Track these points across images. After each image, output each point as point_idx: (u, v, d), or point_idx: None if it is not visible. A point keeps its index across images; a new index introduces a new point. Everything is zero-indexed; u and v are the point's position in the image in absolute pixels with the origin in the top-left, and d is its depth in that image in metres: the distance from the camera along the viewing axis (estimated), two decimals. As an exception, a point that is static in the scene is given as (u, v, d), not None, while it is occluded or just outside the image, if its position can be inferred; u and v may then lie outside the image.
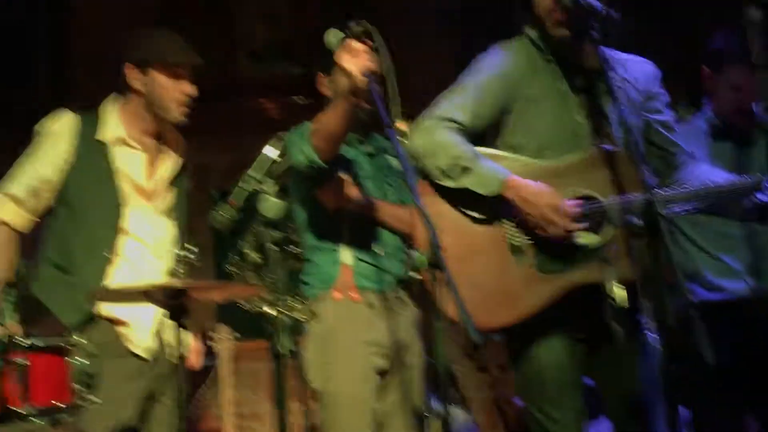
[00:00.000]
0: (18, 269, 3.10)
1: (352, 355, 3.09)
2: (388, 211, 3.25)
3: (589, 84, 2.85)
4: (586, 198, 2.73)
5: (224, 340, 3.81)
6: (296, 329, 3.32)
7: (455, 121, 2.81)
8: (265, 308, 4.98)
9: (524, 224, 2.74)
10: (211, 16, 5.34)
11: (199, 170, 3.66)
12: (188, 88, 3.16)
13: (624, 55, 2.93)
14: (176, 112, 3.16)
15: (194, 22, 5.23)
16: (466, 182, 2.75)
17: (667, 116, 2.97)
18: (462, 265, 2.70)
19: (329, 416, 3.07)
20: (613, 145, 2.78)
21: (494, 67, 2.86)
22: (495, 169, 2.75)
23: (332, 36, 2.70)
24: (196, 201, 5.04)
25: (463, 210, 2.82)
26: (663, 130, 2.93)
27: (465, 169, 2.75)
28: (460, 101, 2.83)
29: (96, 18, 5.53)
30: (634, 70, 2.89)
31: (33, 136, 3.18)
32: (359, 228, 3.23)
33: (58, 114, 3.19)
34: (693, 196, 2.73)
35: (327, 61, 2.98)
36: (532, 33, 2.89)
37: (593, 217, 2.70)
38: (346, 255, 3.22)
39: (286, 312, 3.14)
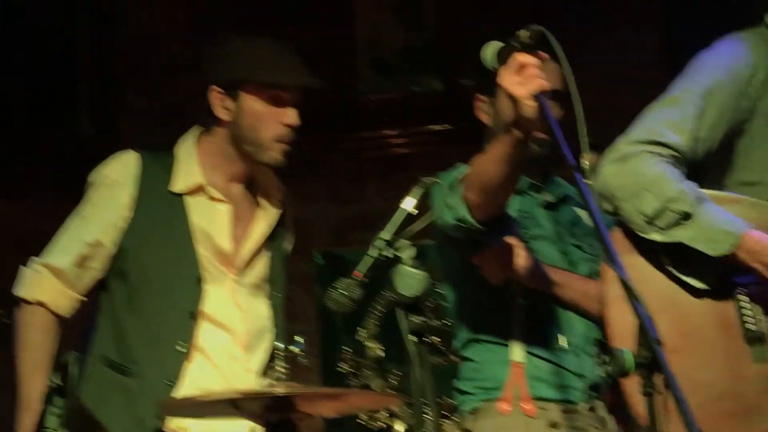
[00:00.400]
0: (64, 365, 3.18)
1: None
2: (577, 287, 3.22)
3: None
4: None
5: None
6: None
7: (667, 146, 2.78)
8: (397, 427, 5.01)
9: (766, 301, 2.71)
10: (319, 13, 5.43)
11: (301, 227, 3.71)
12: (292, 118, 3.17)
13: None
14: (274, 151, 3.18)
15: (292, 22, 5.34)
16: (683, 236, 2.72)
17: None
18: (677, 359, 2.61)
19: None
20: None
21: (722, 70, 2.84)
22: (726, 218, 2.72)
23: (491, 49, 2.69)
24: (297, 270, 5.16)
25: (675, 275, 2.79)
26: None
27: (683, 217, 2.71)
28: (674, 117, 2.81)
29: (149, 23, 5.77)
30: None
31: (85, 187, 3.27)
32: (534, 311, 3.19)
33: (120, 157, 3.26)
34: None
35: (486, 78, 2.99)
36: None
37: None
38: (517, 350, 3.18)
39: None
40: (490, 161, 2.79)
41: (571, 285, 3.21)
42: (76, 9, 5.71)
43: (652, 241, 2.76)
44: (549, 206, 3.35)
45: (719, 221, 2.71)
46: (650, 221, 2.74)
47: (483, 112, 3.28)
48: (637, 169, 2.76)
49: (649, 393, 2.29)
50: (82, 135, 5.68)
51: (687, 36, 3.07)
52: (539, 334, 3.19)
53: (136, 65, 5.77)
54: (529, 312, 3.17)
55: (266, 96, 3.15)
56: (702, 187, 2.79)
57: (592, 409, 3.20)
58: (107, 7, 5.79)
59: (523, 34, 2.58)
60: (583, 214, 3.33)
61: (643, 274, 2.76)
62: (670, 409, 2.24)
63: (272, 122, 3.15)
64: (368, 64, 5.38)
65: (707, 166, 2.86)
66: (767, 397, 2.69)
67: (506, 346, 3.18)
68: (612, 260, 2.36)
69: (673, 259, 2.77)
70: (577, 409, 3.18)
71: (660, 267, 2.80)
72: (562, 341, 3.19)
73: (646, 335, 2.24)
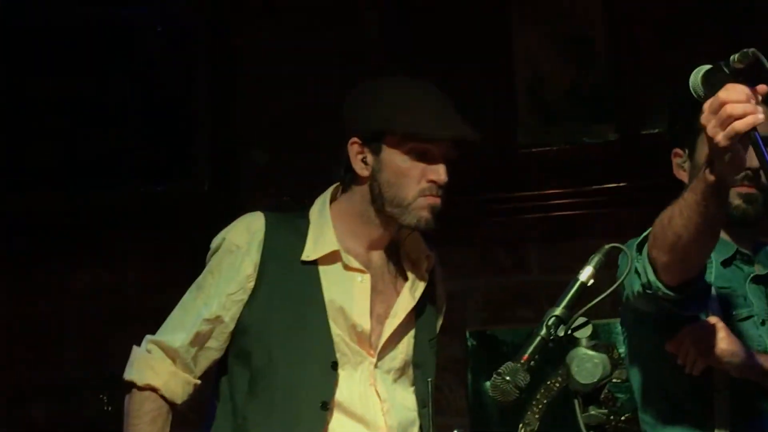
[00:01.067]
0: None
1: None
2: None
3: None
4: None
5: None
6: None
7: None
8: None
9: None
10: (473, 51, 5.42)
11: (452, 303, 3.65)
12: (440, 174, 3.13)
13: None
14: (421, 210, 3.13)
15: (441, 62, 5.32)
16: None
17: None
18: None
19: None
20: None
21: None
22: None
23: (700, 74, 2.61)
24: (446, 353, 5.10)
25: None
26: None
27: None
28: None
29: (275, 73, 5.81)
30: None
31: (207, 255, 3.27)
32: (743, 404, 3.17)
33: (246, 219, 3.25)
34: None
35: (685, 128, 2.92)
36: None
37: None
38: None
39: None
40: (679, 212, 2.76)
41: None
42: (195, 54, 5.82)
43: None
44: (759, 280, 3.34)
45: None
46: None
47: (681, 168, 3.25)
48: None
49: None
50: (197, 190, 5.74)
51: None
52: (747, 428, 3.18)
53: (258, 115, 5.82)
54: (736, 404, 3.15)
55: (412, 149, 3.12)
56: None
57: None
58: (227, 53, 5.87)
59: (735, 57, 2.54)
60: None
61: None
62: None
63: (418, 179, 3.12)
64: (530, 109, 5.32)
65: None
66: None
67: None
68: None
69: None
70: None
71: None
72: None
73: None
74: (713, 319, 3.06)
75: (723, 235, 3.18)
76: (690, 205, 2.72)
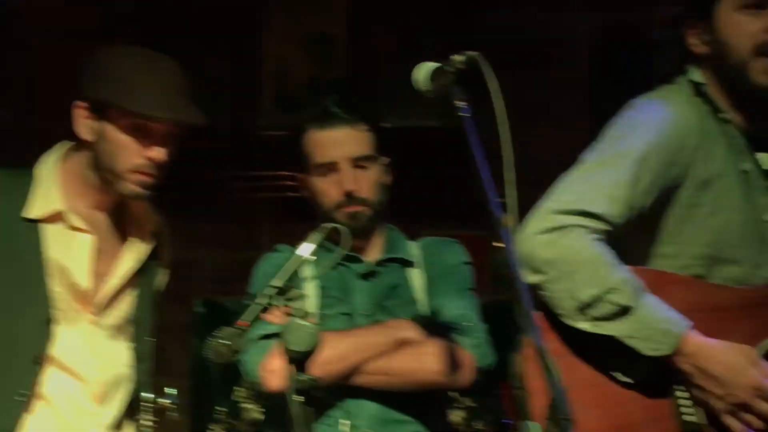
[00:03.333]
0: None
1: None
2: (374, 369, 3.33)
3: None
4: None
5: None
6: None
7: (599, 217, 2.78)
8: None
9: (704, 401, 2.74)
10: (223, 40, 5.40)
11: (182, 269, 3.63)
12: (156, 153, 3.07)
13: None
14: (130, 183, 3.08)
15: (194, 48, 5.25)
16: (618, 330, 2.72)
17: None
18: None
19: None
20: None
21: (655, 134, 2.88)
22: (665, 315, 2.73)
23: (424, 70, 2.66)
24: (172, 318, 5.07)
25: (602, 366, 2.79)
26: None
27: (621, 310, 2.71)
28: (607, 183, 2.80)
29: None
30: None
31: None
32: (316, 402, 3.20)
33: None
34: None
35: None
36: (701, 77, 2.95)
37: None
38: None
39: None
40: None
41: (367, 369, 3.31)
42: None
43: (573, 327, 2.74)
44: (365, 276, 3.49)
45: (659, 319, 2.71)
46: (583, 309, 2.72)
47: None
48: (573, 247, 2.74)
49: None
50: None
51: (613, 92, 3.07)
52: (323, 422, 3.33)
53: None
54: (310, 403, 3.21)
55: (131, 124, 3.05)
56: (623, 258, 2.79)
57: None
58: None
59: (458, 58, 2.56)
60: (410, 276, 3.52)
61: (567, 359, 2.75)
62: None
63: (133, 153, 3.06)
64: (272, 97, 5.33)
65: (630, 235, 2.86)
66: None
67: (332, 417, 3.35)
68: (531, 331, 2.33)
69: (598, 349, 2.76)
70: None
71: (585, 354, 2.78)
72: (344, 426, 3.32)
73: (558, 410, 2.23)
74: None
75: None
76: None
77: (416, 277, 3.54)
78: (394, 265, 3.55)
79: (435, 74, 2.63)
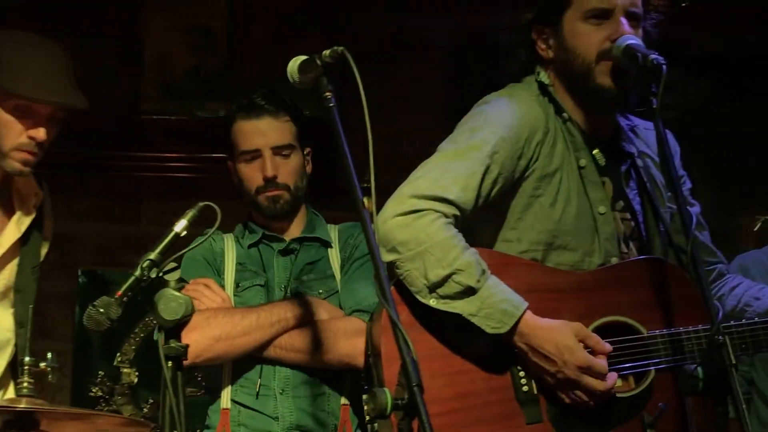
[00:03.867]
0: None
1: None
2: (280, 343, 3.37)
3: (611, 160, 3.00)
4: (620, 326, 2.80)
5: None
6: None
7: (452, 203, 2.78)
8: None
9: (538, 375, 2.77)
10: (109, 28, 5.29)
11: (66, 242, 3.57)
12: (38, 133, 3.04)
13: (638, 121, 3.08)
14: (12, 160, 3.06)
15: (89, 31, 5.20)
16: (462, 308, 2.72)
17: (697, 209, 3.08)
18: (456, 419, 2.69)
19: None
20: (651, 254, 2.95)
21: (505, 128, 2.88)
22: (505, 296, 2.74)
23: (295, 63, 2.64)
24: (56, 287, 4.96)
25: (447, 339, 2.78)
26: (697, 228, 3.04)
27: (466, 290, 2.71)
28: (460, 172, 2.81)
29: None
30: (653, 142, 2.94)
31: None
32: (238, 366, 3.43)
33: None
34: (760, 330, 2.81)
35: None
36: (547, 78, 2.99)
37: (632, 358, 2.78)
38: (225, 399, 3.43)
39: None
40: None
41: (277, 344, 3.36)
42: None
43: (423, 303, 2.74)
44: (284, 252, 3.54)
45: (499, 300, 2.71)
46: (432, 288, 2.71)
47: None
48: (426, 230, 2.72)
49: None
50: None
51: (467, 89, 3.10)
52: (241, 384, 3.40)
53: None
54: (233, 367, 3.41)
55: (15, 105, 3.03)
56: (471, 240, 2.79)
57: None
58: None
59: (326, 53, 2.55)
60: (328, 255, 3.57)
61: (417, 331, 2.74)
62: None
63: (17, 132, 3.04)
64: (155, 84, 5.25)
65: (478, 221, 2.87)
66: None
67: (219, 392, 3.43)
68: (386, 303, 2.32)
69: (448, 323, 2.74)
70: None
71: (433, 328, 2.77)
72: (259, 386, 3.39)
73: (408, 378, 2.22)
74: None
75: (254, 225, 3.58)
76: None
77: (333, 257, 3.58)
78: (313, 245, 3.59)
79: (305, 66, 2.60)
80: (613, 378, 2.72)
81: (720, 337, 2.40)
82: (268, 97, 3.53)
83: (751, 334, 2.79)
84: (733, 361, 2.39)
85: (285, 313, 3.38)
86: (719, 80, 5.64)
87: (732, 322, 2.81)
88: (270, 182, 3.48)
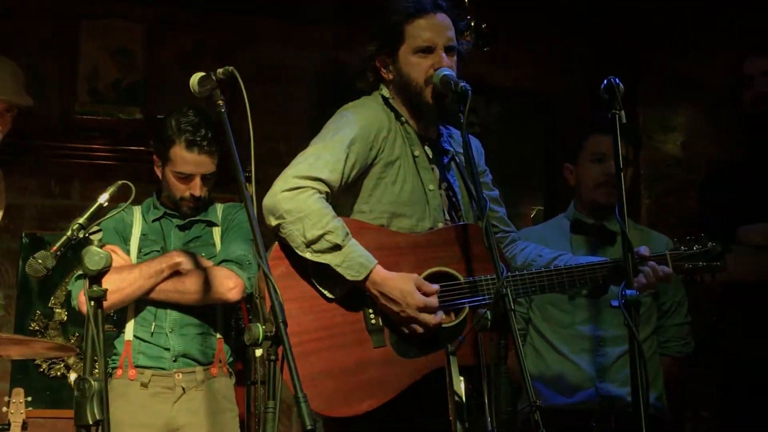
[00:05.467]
0: None
1: None
2: (168, 287, 3.37)
3: (436, 154, 3.02)
4: (444, 275, 2.84)
5: (17, 404, 3.57)
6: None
7: (324, 182, 2.79)
8: (71, 375, 4.73)
9: (384, 312, 2.79)
10: (54, 43, 5.16)
11: (14, 211, 3.49)
12: None
13: (455, 130, 3.12)
14: None
15: (36, 50, 5.07)
16: (331, 260, 2.73)
17: (495, 192, 3.16)
18: (321, 345, 2.72)
19: None
20: (465, 221, 2.98)
21: (361, 127, 2.90)
22: (363, 254, 2.75)
23: (195, 78, 2.63)
24: (6, 247, 4.82)
25: (315, 284, 2.80)
26: (495, 206, 3.12)
27: (334, 247, 2.72)
28: (329, 159, 2.82)
29: None
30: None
31: None
32: (141, 307, 3.41)
33: None
34: (542, 278, 2.87)
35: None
36: (388, 93, 3.02)
37: (453, 298, 2.82)
38: (128, 332, 3.42)
39: (92, 379, 2.98)
40: None
41: (162, 288, 3.37)
42: None
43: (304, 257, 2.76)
44: (181, 227, 3.55)
45: (358, 255, 2.73)
46: (308, 244, 2.72)
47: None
48: (306, 202, 2.74)
49: (271, 360, 2.31)
50: None
51: (329, 104, 3.12)
52: (140, 323, 3.43)
53: None
54: (135, 310, 3.42)
55: None
56: (336, 210, 2.83)
57: (188, 375, 3.39)
58: None
59: (219, 71, 2.57)
60: (213, 231, 3.57)
61: (295, 279, 2.76)
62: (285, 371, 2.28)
63: None
64: (87, 91, 5.13)
65: (338, 197, 2.89)
66: (385, 372, 2.74)
67: (124, 326, 3.45)
68: (258, 251, 2.39)
69: (318, 273, 2.77)
70: (166, 373, 3.39)
71: (307, 277, 2.78)
72: (159, 324, 3.41)
73: (275, 315, 2.24)
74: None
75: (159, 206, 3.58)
76: None
77: (216, 234, 3.57)
78: (203, 223, 3.58)
79: (203, 81, 2.61)
80: (440, 315, 2.77)
81: (504, 289, 2.46)
82: (206, 138, 3.43)
83: (532, 281, 2.87)
84: (512, 307, 2.45)
85: (160, 264, 3.37)
86: (508, 106, 5.75)
87: (524, 272, 2.89)
88: (193, 197, 3.49)
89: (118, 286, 3.25)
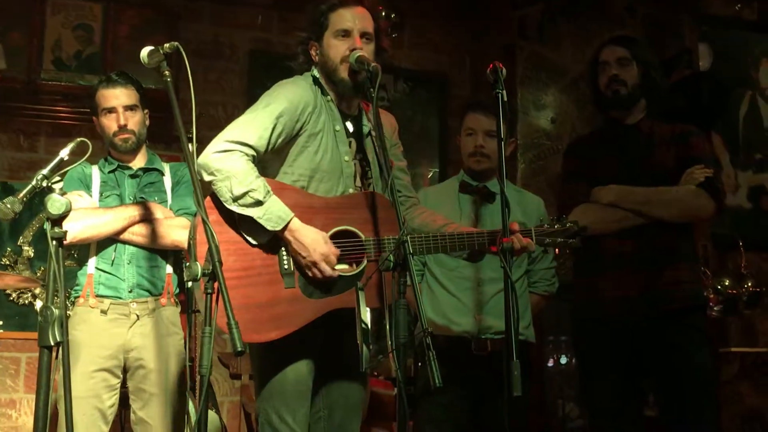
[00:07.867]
0: None
1: (80, 357, 3.19)
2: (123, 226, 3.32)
3: (355, 129, 2.97)
4: (349, 233, 2.80)
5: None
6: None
7: (252, 147, 2.73)
8: (36, 304, 4.63)
9: (295, 258, 2.74)
10: (24, 19, 4.96)
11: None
12: None
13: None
14: None
15: (8, 24, 4.88)
16: (254, 213, 2.68)
17: (404, 162, 3.13)
18: (240, 283, 2.66)
19: (60, 410, 3.10)
20: (375, 189, 2.91)
21: (287, 101, 2.83)
22: (281, 208, 2.70)
23: (145, 51, 2.54)
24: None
25: (241, 232, 2.73)
26: (402, 175, 3.09)
27: (256, 202, 2.67)
28: (257, 127, 2.76)
29: None
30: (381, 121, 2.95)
31: None
32: (105, 245, 3.34)
33: None
34: (430, 240, 2.86)
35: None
36: (317, 73, 2.95)
37: (354, 251, 2.79)
38: (91, 266, 3.35)
39: (54, 307, 2.89)
40: None
41: (132, 231, 3.32)
42: None
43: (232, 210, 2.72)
44: (132, 176, 3.47)
45: (277, 209, 2.68)
46: (235, 200, 2.67)
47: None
48: (234, 162, 2.68)
49: (208, 293, 2.29)
50: None
51: (262, 76, 3.06)
52: (102, 256, 3.35)
53: None
54: (97, 246, 3.35)
55: None
56: (264, 173, 2.77)
57: (141, 303, 3.34)
58: None
59: (166, 45, 2.51)
60: (162, 180, 3.49)
61: (223, 227, 2.71)
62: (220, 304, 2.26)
63: None
64: (51, 61, 4.93)
65: (267, 160, 2.84)
66: (290, 309, 2.71)
67: (87, 260, 3.36)
68: (198, 205, 2.36)
69: (242, 222, 2.72)
70: (123, 302, 3.33)
71: (233, 225, 2.73)
72: (113, 259, 3.34)
73: (212, 256, 2.21)
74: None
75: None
76: None
77: (165, 181, 3.48)
78: (152, 173, 3.49)
79: (152, 54, 2.53)
80: (338, 268, 2.75)
81: (404, 237, 2.46)
82: (120, 75, 3.45)
83: (423, 242, 2.85)
84: (411, 251, 2.46)
85: (133, 211, 3.32)
86: (411, 85, 5.76)
87: (420, 235, 2.87)
88: (122, 128, 3.39)
89: (94, 222, 3.25)
